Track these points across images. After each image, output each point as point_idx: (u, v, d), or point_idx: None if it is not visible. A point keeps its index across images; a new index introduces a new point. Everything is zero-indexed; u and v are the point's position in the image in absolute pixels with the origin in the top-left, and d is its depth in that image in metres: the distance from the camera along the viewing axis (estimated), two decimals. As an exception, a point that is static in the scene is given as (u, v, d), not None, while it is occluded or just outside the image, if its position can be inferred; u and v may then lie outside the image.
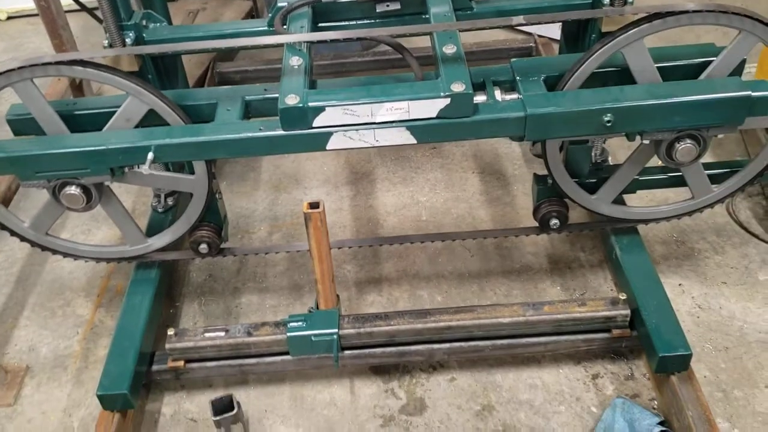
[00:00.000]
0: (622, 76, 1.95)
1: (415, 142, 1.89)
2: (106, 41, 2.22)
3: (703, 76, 1.93)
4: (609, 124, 1.83)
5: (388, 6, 2.20)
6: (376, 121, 1.85)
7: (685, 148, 1.92)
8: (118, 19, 2.18)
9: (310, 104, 1.81)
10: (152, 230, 2.42)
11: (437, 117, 1.84)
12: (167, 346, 2.14)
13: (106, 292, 2.63)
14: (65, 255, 2.26)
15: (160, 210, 2.54)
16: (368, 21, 2.24)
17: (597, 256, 2.59)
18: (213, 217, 2.23)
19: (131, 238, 2.24)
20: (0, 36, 4.44)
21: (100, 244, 2.34)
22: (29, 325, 2.54)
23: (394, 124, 1.85)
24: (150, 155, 1.86)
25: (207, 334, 2.14)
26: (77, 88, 3.02)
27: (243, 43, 1.97)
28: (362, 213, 2.87)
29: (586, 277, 2.54)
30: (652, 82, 1.91)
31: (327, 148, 1.89)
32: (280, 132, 1.86)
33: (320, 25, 2.25)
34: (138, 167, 1.90)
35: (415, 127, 1.86)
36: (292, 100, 1.81)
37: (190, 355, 2.16)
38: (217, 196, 2.21)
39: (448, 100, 1.81)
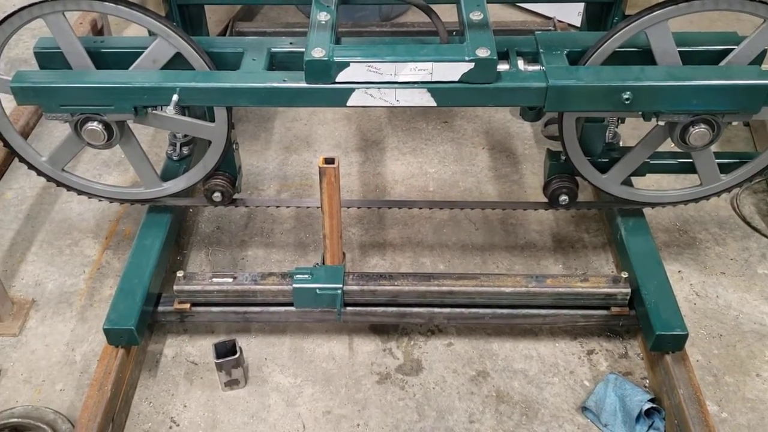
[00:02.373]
0: (643, 57, 1.97)
1: (434, 104, 1.92)
2: (134, -15, 2.24)
3: (723, 63, 1.96)
4: (627, 102, 1.86)
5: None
6: (399, 80, 1.87)
7: (699, 132, 1.95)
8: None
9: (336, 58, 1.84)
10: (166, 176, 2.45)
11: (459, 81, 1.87)
12: (175, 287, 2.17)
13: (115, 235, 2.66)
14: (80, 192, 2.29)
15: (175, 158, 2.57)
16: (393, -10, 2.26)
17: (601, 238, 2.63)
18: (228, 166, 2.26)
19: (147, 181, 2.26)
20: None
21: (115, 184, 2.36)
22: (36, 261, 2.57)
23: (416, 85, 1.88)
24: (175, 97, 1.89)
25: (215, 279, 2.18)
26: (99, 32, 3.03)
27: None
28: (370, 180, 2.91)
29: (589, 257, 2.58)
30: (673, 64, 1.94)
31: (348, 104, 1.92)
32: (303, 84, 1.88)
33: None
34: (162, 109, 1.92)
35: (436, 89, 1.88)
36: (318, 53, 1.84)
37: (197, 298, 2.19)
38: (234, 146, 2.23)
39: (472, 65, 1.84)
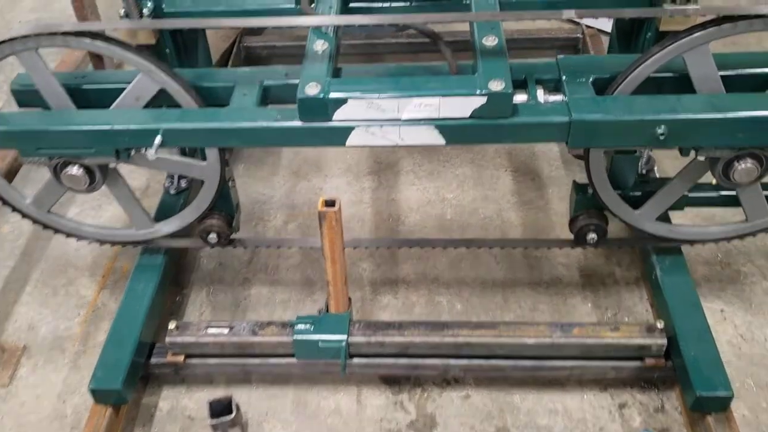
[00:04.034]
0: (680, 83, 1.75)
1: (444, 143, 1.73)
2: (122, 10, 2.08)
3: (772, 89, 1.73)
4: (662, 138, 1.64)
5: (425, -14, 2.02)
6: (403, 117, 1.68)
7: (745, 168, 1.73)
8: (135, -14, 2.05)
9: (332, 95, 1.65)
10: (163, 213, 2.30)
11: (471, 117, 1.67)
12: (167, 340, 2.02)
13: (112, 273, 2.51)
14: (68, 235, 2.15)
15: (172, 191, 2.41)
16: (403, 3, 2.07)
17: (634, 272, 2.41)
18: (224, 205, 2.10)
19: (138, 222, 2.11)
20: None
21: (106, 225, 2.22)
22: (30, 302, 2.44)
23: (422, 122, 1.69)
24: (157, 139, 1.73)
25: (210, 330, 2.01)
26: (97, 55, 2.89)
27: (263, 23, 1.81)
28: (383, 207, 2.72)
29: (621, 294, 2.35)
30: (714, 92, 1.71)
31: (347, 144, 1.73)
32: (298, 123, 1.70)
33: (351, 5, 2.08)
34: (144, 151, 1.76)
35: (445, 126, 1.69)
36: (312, 90, 1.66)
37: (191, 350, 2.03)
38: (229, 183, 2.07)
39: (484, 99, 1.64)
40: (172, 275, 2.35)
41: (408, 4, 2.06)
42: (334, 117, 1.68)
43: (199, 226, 2.10)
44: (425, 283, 2.43)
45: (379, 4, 2.08)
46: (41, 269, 2.55)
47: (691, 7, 1.90)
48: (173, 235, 2.15)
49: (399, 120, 1.69)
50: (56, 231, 2.13)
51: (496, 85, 1.63)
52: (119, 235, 2.15)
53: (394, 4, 2.08)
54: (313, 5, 1.98)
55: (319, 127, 1.70)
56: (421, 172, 2.84)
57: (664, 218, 2.09)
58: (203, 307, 2.39)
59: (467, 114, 1.66)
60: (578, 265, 2.45)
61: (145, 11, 2.08)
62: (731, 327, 2.24)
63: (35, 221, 2.09)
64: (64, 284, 2.49)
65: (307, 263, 2.50)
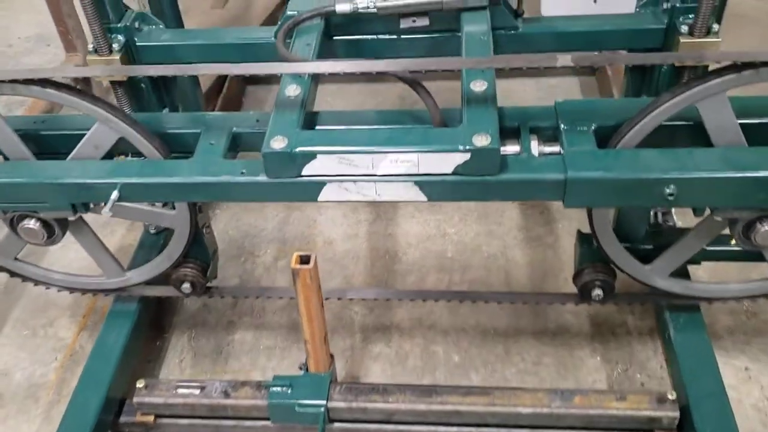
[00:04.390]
0: (695, 132, 1.55)
1: (425, 200, 1.55)
2: (91, 45, 1.94)
3: (800, 141, 1.52)
4: (671, 198, 1.45)
5: (414, 22, 1.84)
6: (378, 173, 1.51)
7: None
8: (104, 20, 1.90)
9: (299, 150, 1.49)
10: (140, 255, 2.17)
11: (454, 173, 1.49)
12: (135, 399, 1.88)
13: (93, 313, 2.39)
14: (36, 283, 2.02)
15: (152, 230, 2.27)
16: (391, 37, 1.89)
17: (648, 322, 2.21)
18: (199, 252, 1.95)
19: (108, 271, 1.97)
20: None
21: (75, 273, 2.10)
22: (7, 344, 2.32)
23: (400, 178, 1.51)
24: (114, 195, 1.58)
25: (180, 390, 1.87)
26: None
27: (243, 71, 1.64)
28: (380, 242, 2.55)
29: (633, 347, 2.16)
30: (733, 144, 1.50)
31: (319, 199, 1.57)
32: (264, 179, 1.54)
33: (334, 38, 1.91)
34: (102, 205, 1.61)
35: (425, 183, 1.51)
36: (278, 144, 1.49)
37: (161, 411, 1.90)
38: (204, 230, 1.92)
39: (467, 156, 1.45)
40: (149, 321, 2.22)
41: (395, 37, 1.89)
42: (303, 172, 1.52)
43: (173, 275, 1.96)
44: (421, 330, 2.26)
45: (364, 36, 1.90)
46: (22, 307, 2.44)
47: (708, 52, 1.68)
48: (148, 282, 2.01)
49: (375, 176, 1.52)
50: (24, 279, 2.00)
51: (481, 140, 1.44)
52: (89, 283, 2.02)
53: (380, 36, 1.90)
54: (289, 41, 1.82)
55: (288, 183, 1.54)
56: (421, 204, 2.66)
57: (681, 272, 1.89)
58: (184, 353, 2.25)
59: (449, 170, 1.49)
60: (587, 313, 2.26)
61: (116, 46, 1.94)
62: (757, 388, 2.03)
63: (1, 269, 1.97)
64: (43, 324, 2.38)
65: (294, 306, 2.31)
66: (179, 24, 2.31)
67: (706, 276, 2.27)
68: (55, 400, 2.15)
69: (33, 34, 3.97)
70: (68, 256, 2.50)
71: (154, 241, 2.25)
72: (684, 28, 1.76)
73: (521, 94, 3.08)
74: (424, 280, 2.42)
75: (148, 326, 2.23)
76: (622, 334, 2.19)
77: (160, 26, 2.04)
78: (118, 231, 2.61)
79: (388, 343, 2.23)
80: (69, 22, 2.59)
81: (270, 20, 3.35)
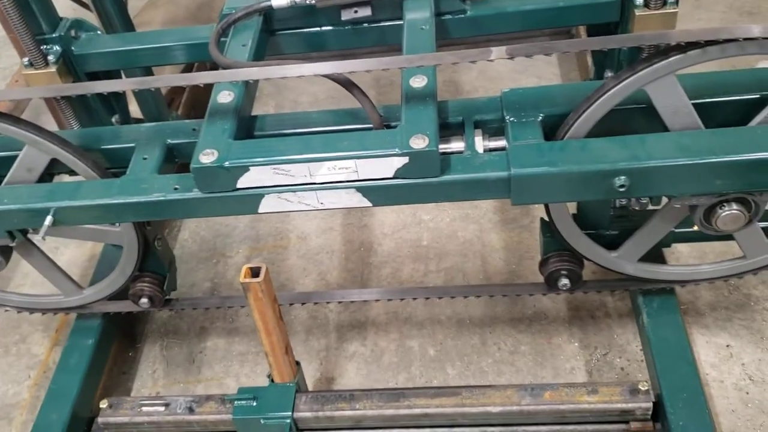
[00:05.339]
0: (650, 114, 1.46)
1: (370, 205, 1.48)
2: (26, 59, 1.87)
3: (758, 119, 1.42)
4: (623, 189, 1.36)
5: (356, 12, 1.75)
6: (317, 181, 1.44)
7: (729, 215, 1.44)
8: (35, 30, 1.83)
9: (229, 163, 1.42)
10: (102, 269, 2.12)
11: (395, 177, 1.41)
12: (100, 419, 1.86)
13: (66, 326, 2.34)
14: (-4, 306, 1.99)
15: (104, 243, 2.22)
16: (333, 28, 1.80)
17: (628, 302, 2.13)
18: (154, 266, 1.90)
19: (64, 290, 1.93)
20: None
21: (32, 293, 2.06)
22: (-20, 364, 2.31)
23: (340, 185, 1.44)
24: (48, 220, 1.52)
25: (144, 409, 1.84)
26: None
27: (181, 82, 1.56)
28: (355, 234, 2.49)
29: (612, 330, 2.09)
30: (688, 126, 1.41)
31: (259, 211, 1.50)
32: (198, 194, 1.47)
33: (276, 33, 1.83)
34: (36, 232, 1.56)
35: (367, 188, 1.44)
36: (207, 158, 1.42)
37: (126, 430, 1.86)
38: (156, 244, 1.86)
39: (406, 159, 1.38)
40: (117, 333, 2.18)
41: (340, 27, 1.80)
42: (238, 185, 1.45)
43: (130, 290, 1.91)
44: (396, 324, 2.21)
45: (307, 30, 1.81)
46: (-5, 324, 2.42)
47: (664, 17, 1.58)
48: (108, 298, 1.97)
49: (314, 184, 1.45)
50: (-20, 302, 1.97)
51: (419, 142, 1.37)
52: (48, 303, 1.98)
53: (324, 28, 1.81)
54: (225, 39, 1.73)
55: (223, 197, 1.47)
56: (395, 190, 2.59)
57: (653, 254, 1.80)
58: (156, 364, 2.22)
59: (390, 174, 1.41)
60: (565, 296, 2.19)
61: (51, 57, 1.87)
62: (738, 366, 1.96)
63: (-44, 294, 1.93)
64: (16, 342, 2.35)
65: (266, 308, 2.30)
66: (127, 26, 2.22)
67: (687, 252, 2.20)
68: (29, 419, 2.13)
69: None
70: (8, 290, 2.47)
71: (116, 252, 2.19)
72: (639, 1, 1.66)
73: (495, 66, 2.98)
74: (400, 270, 2.36)
75: (118, 338, 2.20)
76: (601, 317, 2.13)
77: (98, 32, 1.96)
78: (87, 242, 2.56)
79: (364, 341, 2.18)
80: (20, 29, 2.50)
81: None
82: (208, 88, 1.58)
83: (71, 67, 1.93)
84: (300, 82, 3.08)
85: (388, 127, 1.51)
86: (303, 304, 2.08)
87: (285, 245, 2.50)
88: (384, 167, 1.41)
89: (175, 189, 1.49)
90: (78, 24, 1.93)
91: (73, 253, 2.58)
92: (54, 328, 2.36)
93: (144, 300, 1.91)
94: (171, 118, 2.36)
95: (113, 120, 2.08)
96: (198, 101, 2.90)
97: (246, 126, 1.57)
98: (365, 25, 1.78)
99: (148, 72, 2.20)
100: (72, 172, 1.66)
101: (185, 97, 2.88)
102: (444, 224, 2.47)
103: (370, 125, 1.54)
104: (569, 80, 2.84)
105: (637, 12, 1.67)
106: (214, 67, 1.68)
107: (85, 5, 2.52)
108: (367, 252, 2.43)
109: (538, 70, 2.93)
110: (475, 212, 2.48)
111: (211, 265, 2.47)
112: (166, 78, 1.54)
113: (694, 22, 3.07)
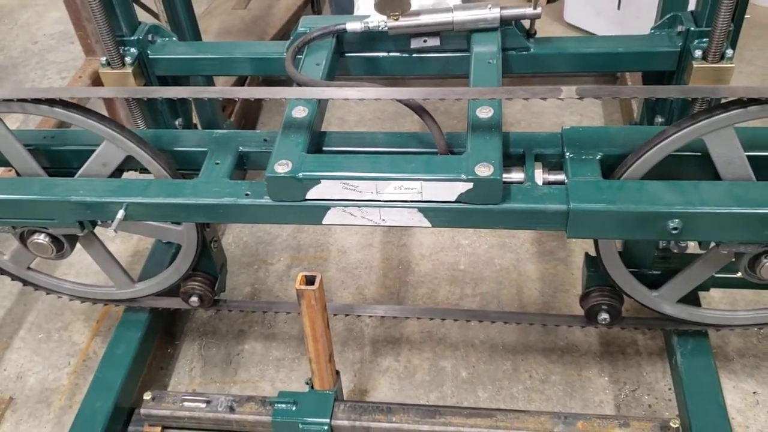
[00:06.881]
0: (704, 162, 1.52)
1: (429, 226, 1.55)
2: (104, 58, 1.96)
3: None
4: (675, 232, 1.42)
5: (425, 42, 1.83)
6: (382, 199, 1.51)
7: (774, 265, 1.49)
8: (116, 33, 1.92)
9: (302, 175, 1.49)
10: (151, 265, 2.20)
11: (457, 201, 1.48)
12: (142, 411, 1.92)
13: (107, 318, 2.43)
14: (48, 291, 2.06)
15: (164, 240, 2.30)
16: (401, 54, 1.88)
17: (658, 341, 2.19)
18: (207, 266, 1.97)
19: (118, 282, 2.00)
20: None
21: (87, 282, 2.14)
22: (22, 347, 2.38)
23: (404, 204, 1.51)
24: (120, 214, 1.60)
25: (186, 404, 1.90)
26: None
27: (251, 95, 1.64)
28: (393, 252, 2.55)
29: (642, 367, 2.14)
30: (741, 177, 1.48)
31: (323, 223, 1.57)
32: (268, 201, 1.55)
33: (346, 54, 1.91)
34: (109, 223, 1.64)
35: (429, 209, 1.51)
36: (282, 168, 1.50)
37: (168, 423, 1.93)
38: (212, 245, 1.94)
39: (470, 185, 1.45)
40: (160, 329, 2.25)
41: (407, 55, 1.88)
42: (307, 196, 1.53)
43: (181, 288, 1.98)
44: (430, 344, 2.26)
45: (376, 54, 1.89)
46: (38, 311, 2.49)
47: (721, 70, 1.65)
48: (158, 294, 2.04)
49: (379, 201, 1.52)
50: (36, 287, 2.04)
51: (484, 170, 1.43)
52: (99, 293, 2.05)
53: (392, 54, 1.89)
54: (300, 56, 1.82)
55: (292, 206, 1.55)
56: (435, 214, 2.66)
57: (690, 297, 1.86)
58: (194, 362, 2.28)
59: (453, 198, 1.48)
60: (598, 330, 2.24)
61: (128, 59, 1.96)
62: (764, 413, 2.00)
63: (14, 278, 2.01)
64: (58, 329, 2.42)
65: (304, 317, 2.36)
66: (196, 35, 2.32)
67: (718, 297, 2.25)
68: (66, 405, 2.20)
69: (58, 32, 4.03)
70: (88, 259, 2.54)
71: (166, 249, 2.27)
72: (697, 53, 1.73)
73: (540, 104, 3.05)
74: (436, 292, 2.42)
75: (160, 334, 2.26)
76: (631, 353, 2.18)
77: (173, 38, 2.06)
78: (134, 236, 2.64)
79: (398, 357, 2.23)
80: (88, 27, 2.62)
81: (293, 20, 3.35)
82: (258, 100, 1.65)
83: (145, 69, 2.02)
84: (348, 102, 3.17)
85: (452, 153, 1.58)
86: (346, 315, 2.14)
87: (325, 257, 2.57)
88: (448, 191, 1.48)
89: (246, 195, 1.57)
90: (155, 29, 2.02)
91: (117, 247, 2.66)
92: (95, 318, 2.44)
93: (194, 299, 1.98)
94: (225, 126, 2.45)
95: (176, 123, 2.17)
96: (247, 112, 3.00)
97: (317, 141, 1.65)
98: (432, 54, 1.86)
99: (209, 80, 2.31)
100: (143, 170, 1.74)
101: (237, 107, 2.97)
102: (482, 250, 2.53)
103: (433, 149, 1.61)
104: (611, 121, 2.90)
105: (695, 64, 1.74)
106: (268, 81, 1.75)
107: (154, 14, 2.63)
108: (404, 270, 2.50)
109: (581, 108, 3.00)
110: (512, 241, 2.55)
111: (252, 270, 2.55)
112: (249, 90, 1.61)
113: (735, 75, 3.13)
